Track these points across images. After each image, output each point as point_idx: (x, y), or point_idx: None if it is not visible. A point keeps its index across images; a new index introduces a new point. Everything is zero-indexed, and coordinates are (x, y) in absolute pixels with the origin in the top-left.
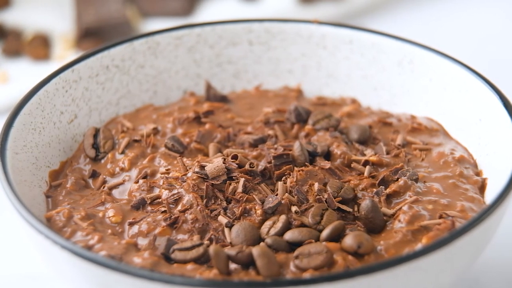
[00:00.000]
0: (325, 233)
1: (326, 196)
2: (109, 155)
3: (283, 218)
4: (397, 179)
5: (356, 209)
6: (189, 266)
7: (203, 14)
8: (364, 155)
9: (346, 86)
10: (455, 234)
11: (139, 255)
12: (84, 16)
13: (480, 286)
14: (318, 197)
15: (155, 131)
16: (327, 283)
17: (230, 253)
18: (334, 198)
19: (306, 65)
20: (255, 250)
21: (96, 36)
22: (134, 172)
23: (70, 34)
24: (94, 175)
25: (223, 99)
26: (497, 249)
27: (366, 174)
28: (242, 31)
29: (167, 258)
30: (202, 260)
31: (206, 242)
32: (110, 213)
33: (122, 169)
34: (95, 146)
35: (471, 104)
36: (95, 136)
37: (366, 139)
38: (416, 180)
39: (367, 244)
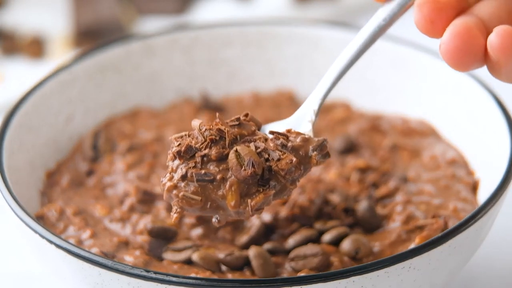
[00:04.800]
0: (327, 237)
1: (348, 218)
2: (108, 157)
3: (303, 237)
4: (386, 182)
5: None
6: (185, 265)
7: (197, 13)
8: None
9: (340, 87)
10: (448, 234)
11: (131, 253)
12: (80, 16)
13: (473, 285)
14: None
15: (156, 139)
16: (321, 283)
17: (220, 256)
18: (341, 207)
19: (300, 66)
20: (251, 251)
21: (92, 36)
22: (130, 175)
23: (66, 34)
24: (90, 174)
25: (219, 108)
26: (490, 249)
27: (355, 180)
28: (237, 33)
29: (156, 255)
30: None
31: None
32: (99, 207)
33: (119, 172)
34: (95, 147)
35: (465, 104)
36: (96, 137)
37: (351, 148)
38: (405, 181)
39: (364, 249)
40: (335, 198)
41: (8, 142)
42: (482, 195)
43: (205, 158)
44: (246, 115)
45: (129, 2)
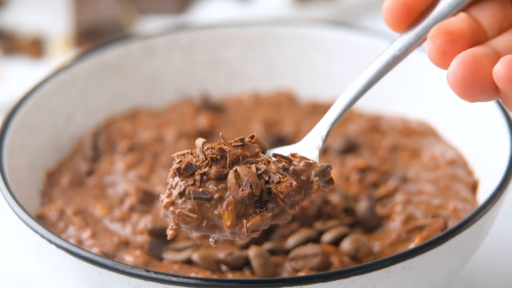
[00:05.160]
0: (327, 237)
1: (348, 218)
2: (108, 157)
3: (303, 237)
4: (386, 182)
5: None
6: (184, 265)
7: (197, 13)
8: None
9: (340, 87)
10: (448, 234)
11: (131, 253)
12: (80, 16)
13: (473, 285)
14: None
15: (156, 139)
16: (321, 283)
17: (220, 256)
18: (340, 207)
19: (300, 66)
20: (251, 251)
21: (92, 36)
22: (130, 175)
23: (66, 34)
24: (90, 174)
25: (219, 108)
26: (490, 249)
27: (355, 180)
28: (237, 33)
29: (156, 255)
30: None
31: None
32: (99, 207)
33: (119, 172)
34: (95, 147)
35: (464, 104)
36: (96, 137)
37: (351, 148)
38: (405, 181)
39: (364, 249)
40: (335, 198)
41: (8, 142)
42: (482, 195)
43: (204, 177)
44: (252, 137)
45: (129, 2)
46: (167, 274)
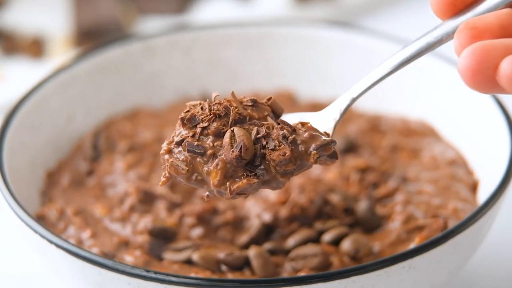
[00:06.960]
0: (327, 237)
1: (348, 218)
2: (108, 157)
3: (303, 237)
4: (386, 182)
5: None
6: (184, 265)
7: (197, 13)
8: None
9: (339, 86)
10: (448, 234)
11: (131, 253)
12: (80, 16)
13: (473, 285)
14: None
15: (156, 139)
16: (321, 283)
17: (220, 256)
18: (340, 207)
19: (300, 66)
20: (251, 251)
21: (92, 36)
22: (130, 175)
23: (66, 34)
24: (90, 174)
25: None
26: (490, 249)
27: (355, 180)
28: (237, 33)
29: (156, 255)
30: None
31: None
32: (99, 207)
33: (119, 172)
34: (95, 147)
35: (464, 104)
36: (96, 137)
37: (351, 148)
38: (405, 181)
39: (364, 249)
40: (335, 198)
41: (8, 142)
42: (482, 195)
43: (204, 131)
44: (269, 99)
45: (129, 2)
46: (167, 274)
